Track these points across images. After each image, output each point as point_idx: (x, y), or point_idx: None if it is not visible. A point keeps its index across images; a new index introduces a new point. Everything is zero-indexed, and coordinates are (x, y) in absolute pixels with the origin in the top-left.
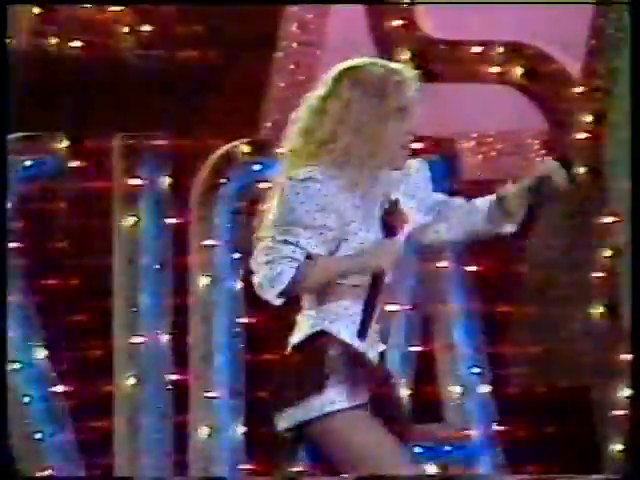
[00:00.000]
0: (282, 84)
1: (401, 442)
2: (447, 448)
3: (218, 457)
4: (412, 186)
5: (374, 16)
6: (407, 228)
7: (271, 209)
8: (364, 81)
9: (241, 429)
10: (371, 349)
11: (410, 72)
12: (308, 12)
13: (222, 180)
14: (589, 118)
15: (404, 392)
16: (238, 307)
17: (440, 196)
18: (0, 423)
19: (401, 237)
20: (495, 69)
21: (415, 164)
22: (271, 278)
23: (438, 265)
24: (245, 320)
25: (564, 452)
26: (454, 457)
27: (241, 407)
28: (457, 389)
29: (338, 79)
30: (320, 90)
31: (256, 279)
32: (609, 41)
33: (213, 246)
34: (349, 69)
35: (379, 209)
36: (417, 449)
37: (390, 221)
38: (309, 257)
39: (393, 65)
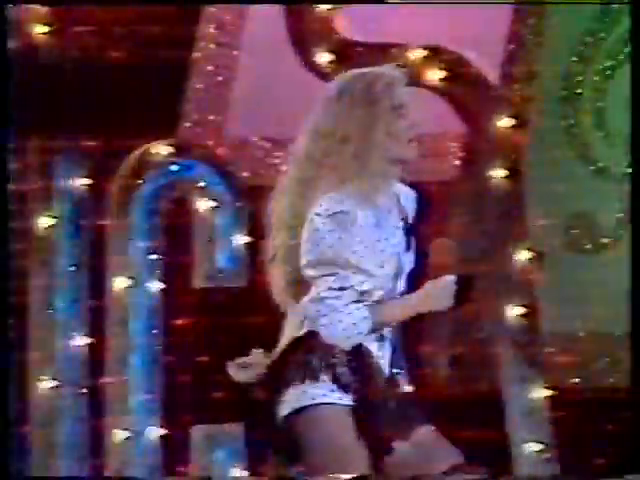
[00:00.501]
0: (200, 85)
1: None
2: None
3: (135, 460)
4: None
5: (292, 17)
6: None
7: (303, 245)
8: (351, 92)
9: (159, 431)
10: (380, 347)
11: (396, 71)
12: (226, 13)
13: (139, 181)
14: (508, 122)
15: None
16: (156, 309)
17: None
18: (0, 423)
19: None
20: (413, 72)
21: (407, 191)
22: (348, 332)
23: None
24: (163, 322)
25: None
26: None
27: (158, 410)
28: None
29: (327, 97)
30: (313, 113)
31: (326, 332)
32: (527, 46)
33: (131, 247)
34: (337, 85)
35: (400, 220)
36: None
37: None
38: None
39: (378, 69)
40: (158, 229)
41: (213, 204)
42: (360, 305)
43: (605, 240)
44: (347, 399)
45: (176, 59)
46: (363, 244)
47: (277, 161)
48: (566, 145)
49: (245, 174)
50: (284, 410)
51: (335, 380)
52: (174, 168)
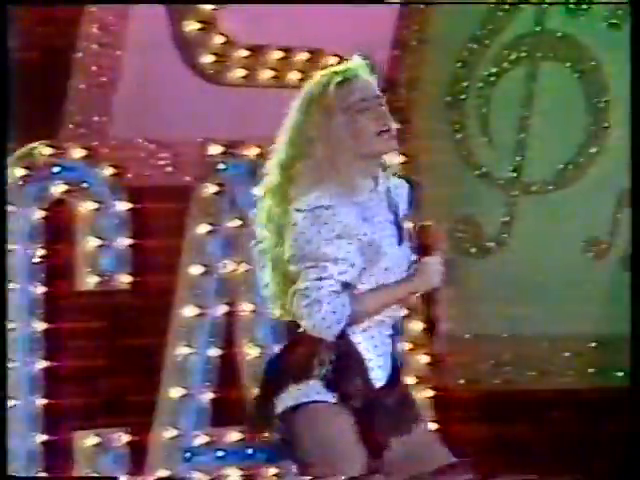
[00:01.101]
0: (83, 86)
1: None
2: (250, 451)
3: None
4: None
5: (174, 18)
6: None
7: (286, 242)
8: (309, 95)
9: (40, 437)
10: (376, 347)
11: (354, 64)
12: (108, 13)
13: (20, 182)
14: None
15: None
16: (37, 312)
17: None
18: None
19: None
20: (297, 75)
21: (398, 183)
22: (327, 321)
23: None
24: (44, 325)
25: None
26: (258, 459)
27: (39, 414)
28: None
29: (294, 104)
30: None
31: (308, 323)
32: (411, 51)
33: (11, 249)
34: (302, 91)
35: (390, 214)
36: (219, 453)
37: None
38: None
39: (338, 67)
40: (40, 231)
41: (96, 206)
42: (340, 294)
43: (490, 244)
44: (335, 398)
45: (58, 59)
46: (346, 239)
47: (162, 162)
48: (451, 150)
49: (129, 175)
50: (279, 408)
51: (322, 379)
52: (56, 170)
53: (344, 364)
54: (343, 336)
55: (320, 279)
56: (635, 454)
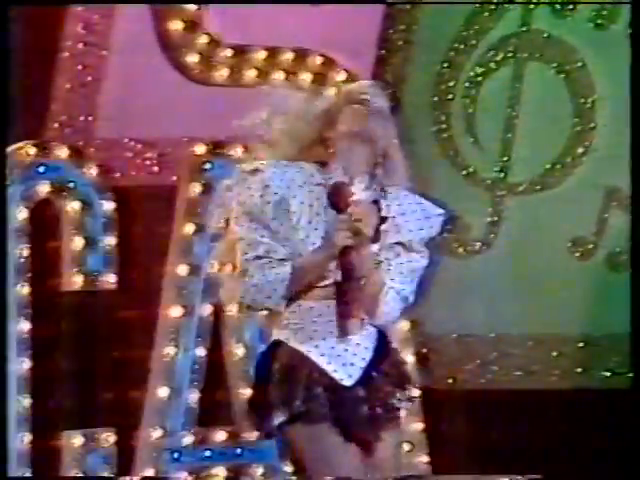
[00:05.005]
0: (68, 85)
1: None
2: (237, 451)
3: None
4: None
5: (159, 18)
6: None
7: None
8: None
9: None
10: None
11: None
12: (93, 12)
13: (7, 182)
14: None
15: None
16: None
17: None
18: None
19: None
20: (282, 75)
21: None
22: (264, 291)
23: None
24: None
25: None
26: (245, 459)
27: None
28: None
29: None
30: None
31: (246, 298)
32: (397, 51)
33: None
34: None
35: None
36: (206, 452)
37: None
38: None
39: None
40: (26, 230)
41: (82, 205)
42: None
43: (476, 244)
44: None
45: (44, 59)
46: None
47: (147, 162)
48: (437, 150)
49: (115, 175)
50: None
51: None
52: (41, 169)
53: (296, 378)
54: (289, 352)
55: (257, 258)
56: (625, 454)
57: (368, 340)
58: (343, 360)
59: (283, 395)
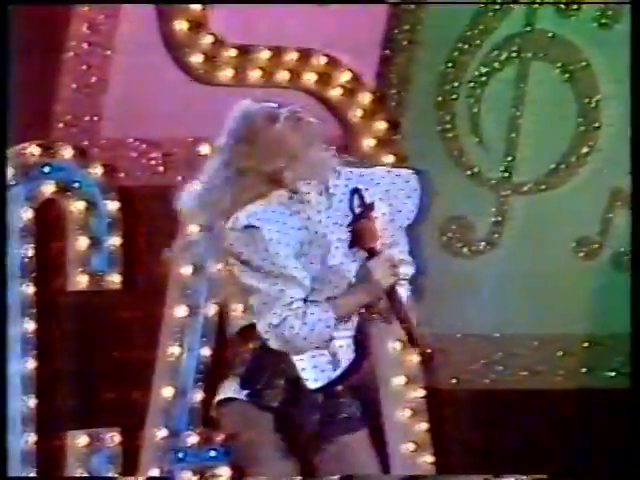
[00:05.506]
0: (73, 85)
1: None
2: (212, 453)
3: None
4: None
5: (163, 18)
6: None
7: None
8: None
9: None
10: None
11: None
12: (99, 13)
13: (12, 182)
14: (382, 125)
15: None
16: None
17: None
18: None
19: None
20: (286, 75)
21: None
22: (303, 334)
23: None
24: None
25: None
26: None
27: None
28: None
29: None
30: None
31: (276, 342)
32: (402, 51)
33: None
34: None
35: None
36: (211, 452)
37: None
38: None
39: None
40: (31, 230)
41: (87, 205)
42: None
43: (481, 244)
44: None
45: (49, 59)
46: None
47: (152, 162)
48: (441, 150)
49: (120, 175)
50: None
51: (239, 376)
52: (46, 170)
53: (264, 363)
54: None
55: (281, 291)
56: (630, 454)
57: (347, 354)
58: (316, 363)
59: (248, 374)
